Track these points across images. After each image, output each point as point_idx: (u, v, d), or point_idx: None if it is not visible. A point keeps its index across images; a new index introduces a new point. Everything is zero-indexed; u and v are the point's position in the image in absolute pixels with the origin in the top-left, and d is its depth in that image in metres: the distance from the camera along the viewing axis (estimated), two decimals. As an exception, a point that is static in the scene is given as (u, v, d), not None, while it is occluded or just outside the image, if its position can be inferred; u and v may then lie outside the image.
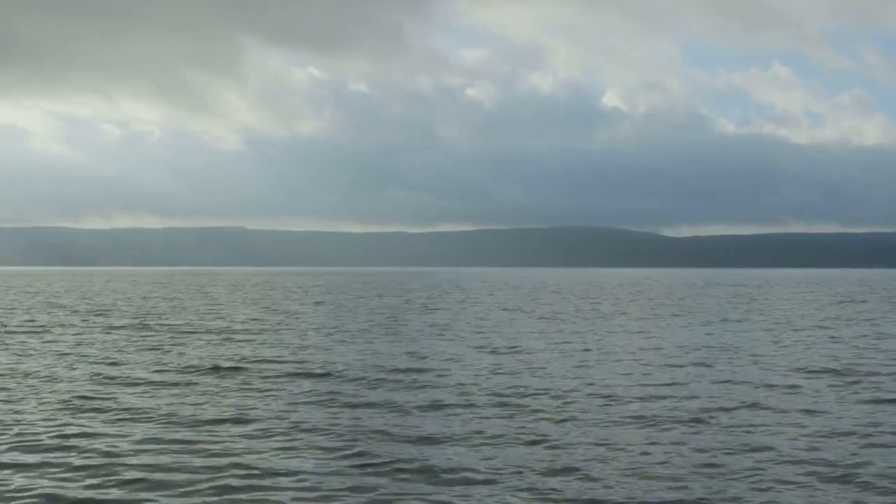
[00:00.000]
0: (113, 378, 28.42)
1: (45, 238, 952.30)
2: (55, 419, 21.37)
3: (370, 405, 23.44)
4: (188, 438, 19.23)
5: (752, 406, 23.53)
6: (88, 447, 18.34)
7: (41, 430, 20.13)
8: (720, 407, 23.27)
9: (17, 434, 19.65)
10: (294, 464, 17.01)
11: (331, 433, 19.79)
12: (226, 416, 21.85)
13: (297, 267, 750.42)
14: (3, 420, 21.22)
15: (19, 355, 35.33)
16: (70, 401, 23.89)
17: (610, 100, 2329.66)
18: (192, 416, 21.89)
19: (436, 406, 23.36)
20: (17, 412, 22.32)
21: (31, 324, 53.79)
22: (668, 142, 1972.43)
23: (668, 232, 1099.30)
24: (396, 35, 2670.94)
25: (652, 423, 21.17)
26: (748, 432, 20.18)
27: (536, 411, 22.53)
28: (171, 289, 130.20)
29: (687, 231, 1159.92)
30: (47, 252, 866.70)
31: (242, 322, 55.51)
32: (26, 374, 29.54)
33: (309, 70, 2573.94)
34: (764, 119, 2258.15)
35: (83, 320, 57.15)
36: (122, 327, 51.32)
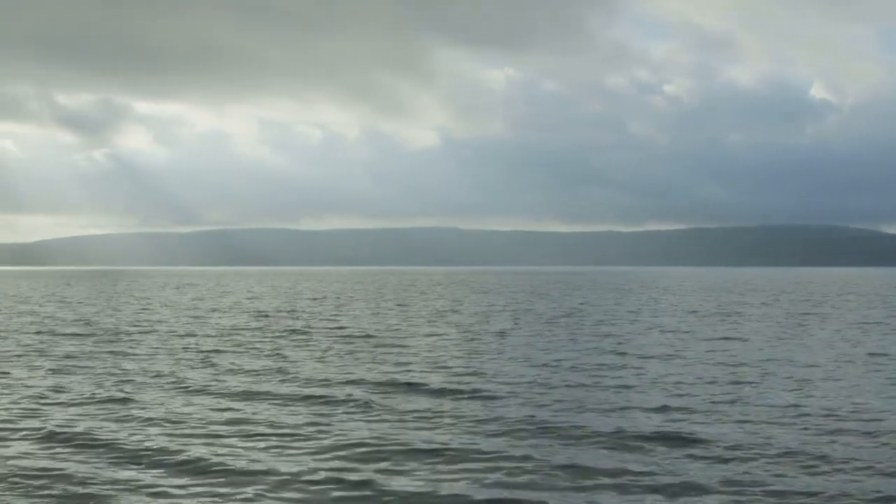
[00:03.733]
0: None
1: (262, 239, 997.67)
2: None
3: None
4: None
5: None
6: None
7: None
8: None
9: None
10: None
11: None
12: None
13: (507, 267, 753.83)
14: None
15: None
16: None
17: (817, 91, 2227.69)
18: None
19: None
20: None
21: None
22: (879, 134, 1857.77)
23: (890, 229, 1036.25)
24: (581, 30, 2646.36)
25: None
26: None
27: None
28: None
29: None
30: (264, 253, 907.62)
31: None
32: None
33: (498, 69, 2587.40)
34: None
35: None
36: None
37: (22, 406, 23.63)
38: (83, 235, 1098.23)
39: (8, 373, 30.53)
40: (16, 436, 19.82)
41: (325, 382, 27.63)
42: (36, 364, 33.16)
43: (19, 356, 35.95)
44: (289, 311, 68.61)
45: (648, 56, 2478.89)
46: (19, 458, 17.71)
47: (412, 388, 26.35)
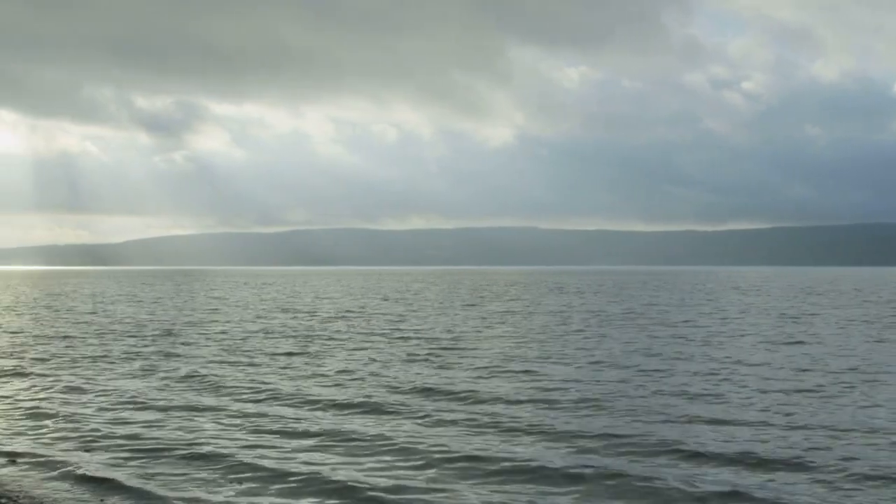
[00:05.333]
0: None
1: (342, 239, 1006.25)
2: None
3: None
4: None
5: None
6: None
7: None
8: None
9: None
10: None
11: None
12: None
13: (586, 266, 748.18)
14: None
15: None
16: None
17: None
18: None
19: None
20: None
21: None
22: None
23: None
24: (655, 27, 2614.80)
25: None
26: None
27: None
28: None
29: None
30: (344, 253, 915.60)
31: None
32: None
33: (573, 67, 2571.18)
34: None
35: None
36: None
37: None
38: (168, 236, 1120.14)
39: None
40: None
41: (405, 388, 27.05)
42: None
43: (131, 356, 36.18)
44: (368, 312, 68.38)
45: (724, 52, 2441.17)
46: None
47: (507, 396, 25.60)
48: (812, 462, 17.25)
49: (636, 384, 27.50)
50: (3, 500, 15.02)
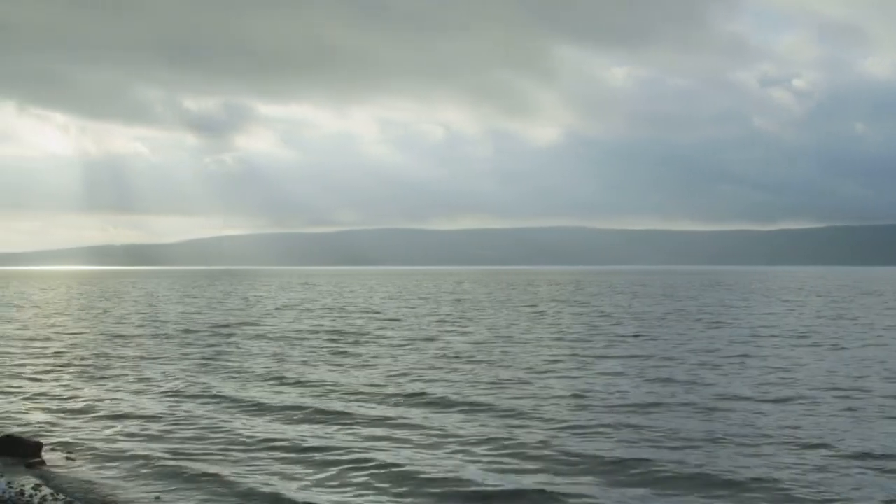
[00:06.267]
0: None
1: (391, 240, 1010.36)
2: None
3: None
4: None
5: None
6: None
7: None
8: None
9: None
10: None
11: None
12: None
13: (638, 266, 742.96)
14: None
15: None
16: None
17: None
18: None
19: None
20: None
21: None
22: None
23: None
24: (701, 25, 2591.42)
25: None
26: None
27: None
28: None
29: None
30: (394, 253, 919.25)
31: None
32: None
33: (620, 66, 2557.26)
34: None
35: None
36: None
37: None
38: (220, 236, 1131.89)
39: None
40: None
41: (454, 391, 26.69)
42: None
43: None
44: (421, 314, 68.26)
45: (772, 49, 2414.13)
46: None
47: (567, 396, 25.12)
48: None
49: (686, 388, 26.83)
50: (59, 495, 14.90)
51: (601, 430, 19.55)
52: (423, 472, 16.01)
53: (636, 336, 43.48)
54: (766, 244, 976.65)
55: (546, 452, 17.42)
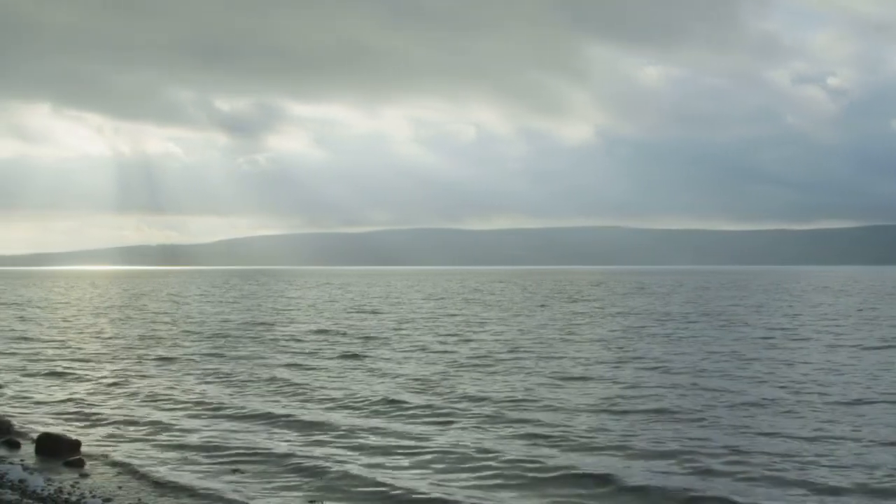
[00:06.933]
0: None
1: (437, 238, 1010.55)
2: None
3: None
4: None
5: None
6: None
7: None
8: None
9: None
10: None
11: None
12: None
13: (673, 266, 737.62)
14: None
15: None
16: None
17: None
18: None
19: None
20: None
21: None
22: None
23: None
24: (733, 23, 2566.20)
25: None
26: None
27: None
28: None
29: None
30: (440, 252, 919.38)
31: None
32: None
33: (651, 65, 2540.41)
34: None
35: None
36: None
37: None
38: (255, 236, 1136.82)
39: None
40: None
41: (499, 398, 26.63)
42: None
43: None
44: (451, 314, 68.27)
45: (805, 47, 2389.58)
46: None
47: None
48: None
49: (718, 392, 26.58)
50: (96, 493, 15.04)
51: (632, 438, 19.49)
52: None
53: (669, 337, 43.23)
54: (801, 243, 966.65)
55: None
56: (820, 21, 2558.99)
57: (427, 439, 18.88)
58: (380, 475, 16.02)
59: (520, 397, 24.17)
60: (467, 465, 16.70)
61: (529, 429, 19.79)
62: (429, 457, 17.39)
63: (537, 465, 16.50)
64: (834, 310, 67.45)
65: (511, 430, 19.76)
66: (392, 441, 18.84)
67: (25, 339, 45.01)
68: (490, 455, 17.36)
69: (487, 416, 21.52)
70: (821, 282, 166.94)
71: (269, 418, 21.75)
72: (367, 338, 43.78)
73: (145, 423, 21.39)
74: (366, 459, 17.22)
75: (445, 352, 36.65)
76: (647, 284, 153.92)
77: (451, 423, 20.73)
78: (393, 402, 23.78)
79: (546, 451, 17.72)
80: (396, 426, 20.48)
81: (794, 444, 18.00)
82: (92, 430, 20.55)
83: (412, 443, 18.60)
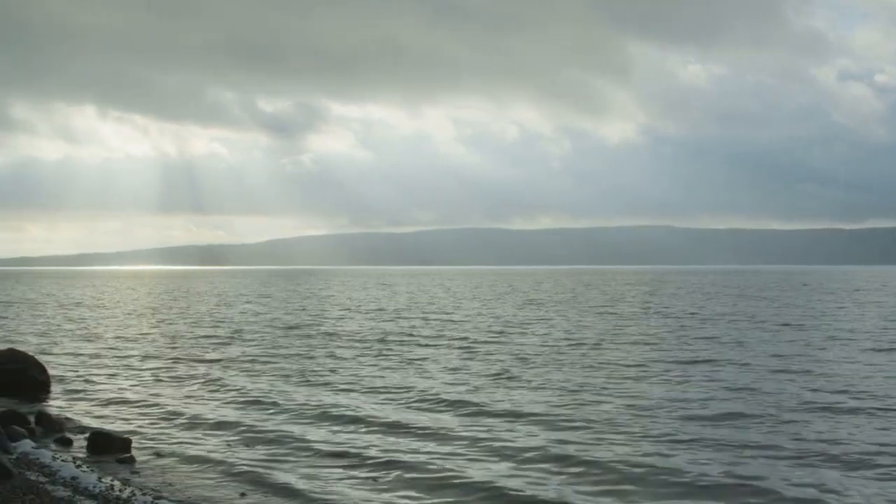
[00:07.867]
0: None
1: (482, 238, 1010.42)
2: None
3: None
4: None
5: None
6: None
7: None
8: None
9: None
10: None
11: None
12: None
13: (723, 266, 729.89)
14: None
15: None
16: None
17: None
18: None
19: None
20: None
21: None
22: None
23: None
24: (776, 19, 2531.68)
25: None
26: None
27: None
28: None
29: None
30: (485, 251, 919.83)
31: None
32: None
33: (694, 63, 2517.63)
34: None
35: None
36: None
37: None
38: (302, 236, 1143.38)
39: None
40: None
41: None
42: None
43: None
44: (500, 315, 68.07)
45: (850, 44, 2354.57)
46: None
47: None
48: None
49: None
50: (147, 490, 15.13)
51: (673, 441, 19.21)
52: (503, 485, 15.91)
53: (713, 339, 42.57)
54: (853, 243, 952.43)
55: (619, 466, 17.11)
56: (865, 17, 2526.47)
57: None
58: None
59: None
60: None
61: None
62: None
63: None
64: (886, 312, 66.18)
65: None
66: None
67: (77, 337, 45.55)
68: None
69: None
70: (874, 282, 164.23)
71: (329, 418, 21.73)
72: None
73: (196, 421, 21.54)
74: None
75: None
76: (695, 285, 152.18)
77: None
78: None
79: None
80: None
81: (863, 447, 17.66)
82: (143, 428, 20.73)
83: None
